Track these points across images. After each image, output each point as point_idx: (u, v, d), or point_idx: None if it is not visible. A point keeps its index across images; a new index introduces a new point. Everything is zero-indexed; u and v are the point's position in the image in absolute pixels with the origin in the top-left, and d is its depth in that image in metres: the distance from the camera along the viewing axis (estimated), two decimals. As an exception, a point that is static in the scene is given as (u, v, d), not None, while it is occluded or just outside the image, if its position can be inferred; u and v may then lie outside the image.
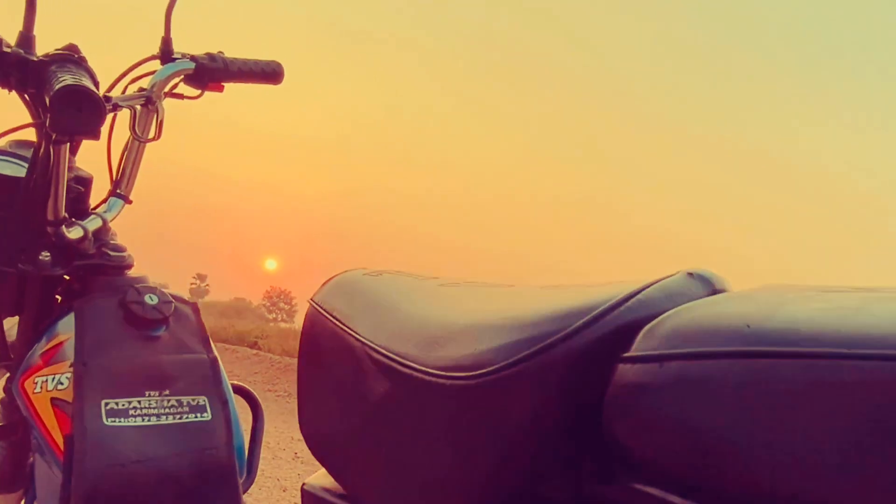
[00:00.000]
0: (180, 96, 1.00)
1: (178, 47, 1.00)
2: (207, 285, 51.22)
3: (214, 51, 1.05)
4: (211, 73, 1.00)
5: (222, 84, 1.02)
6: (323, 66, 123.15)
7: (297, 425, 0.80)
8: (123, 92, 0.94)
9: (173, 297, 0.86)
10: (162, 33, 0.97)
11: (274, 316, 45.89)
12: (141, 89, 0.93)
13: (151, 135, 0.93)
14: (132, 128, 0.90)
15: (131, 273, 0.89)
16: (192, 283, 50.80)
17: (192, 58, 0.99)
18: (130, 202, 0.95)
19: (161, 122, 0.92)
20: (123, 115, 0.93)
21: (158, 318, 0.82)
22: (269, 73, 1.08)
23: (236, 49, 1.09)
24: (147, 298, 0.82)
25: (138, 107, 0.92)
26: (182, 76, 0.99)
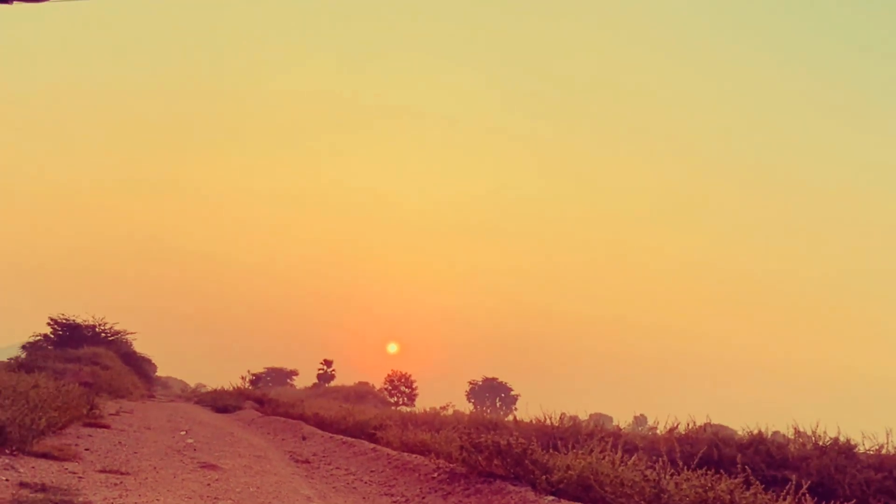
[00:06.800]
0: None
1: None
2: (333, 370, 52.16)
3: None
4: None
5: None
6: (449, 151, 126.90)
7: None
8: None
9: None
10: None
11: (395, 399, 45.61)
12: None
13: None
14: None
15: None
16: (319, 369, 51.94)
17: None
18: None
19: None
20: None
21: None
22: None
23: None
24: None
25: None
26: None
